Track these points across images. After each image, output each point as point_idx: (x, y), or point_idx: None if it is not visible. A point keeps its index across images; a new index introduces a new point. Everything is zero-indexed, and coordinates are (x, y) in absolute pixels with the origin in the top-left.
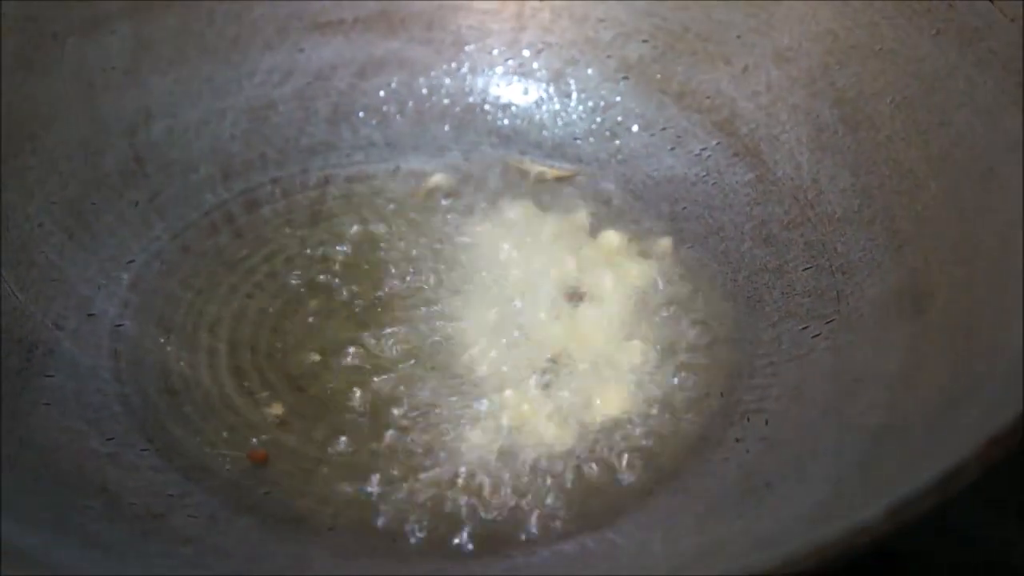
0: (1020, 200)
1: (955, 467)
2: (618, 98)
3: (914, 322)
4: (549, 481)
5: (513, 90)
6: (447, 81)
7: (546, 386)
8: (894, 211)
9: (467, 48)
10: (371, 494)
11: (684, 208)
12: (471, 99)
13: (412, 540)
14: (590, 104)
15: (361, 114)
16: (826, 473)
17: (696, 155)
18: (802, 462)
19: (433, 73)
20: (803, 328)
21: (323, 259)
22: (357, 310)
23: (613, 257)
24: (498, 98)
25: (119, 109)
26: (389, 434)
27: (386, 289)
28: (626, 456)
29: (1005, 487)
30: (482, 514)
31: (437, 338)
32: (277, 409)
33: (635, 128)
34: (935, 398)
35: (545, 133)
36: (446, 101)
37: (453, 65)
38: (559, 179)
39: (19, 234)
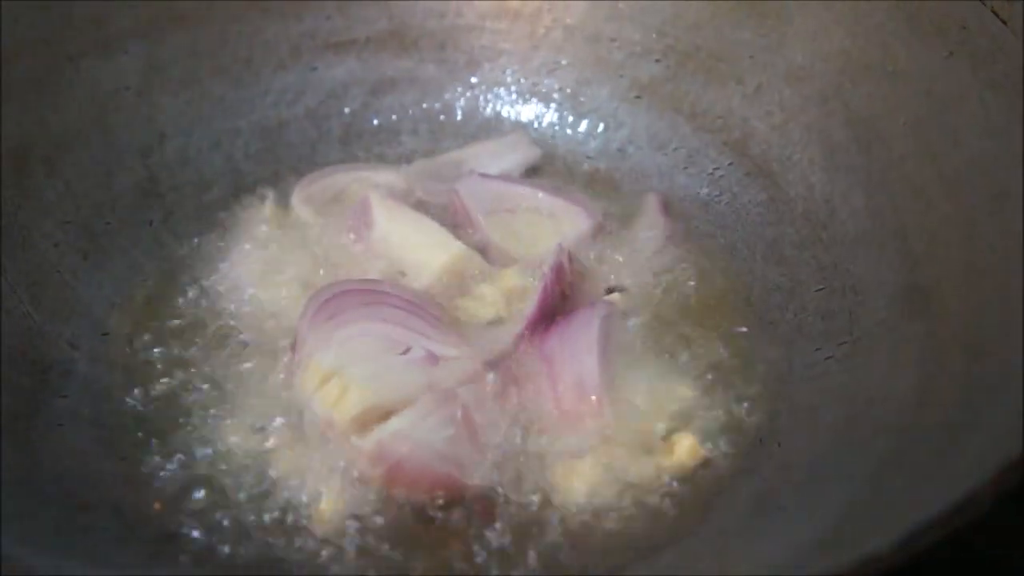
0: None
1: (967, 495)
2: (630, 118)
3: (926, 344)
4: None
5: (526, 110)
6: (460, 101)
7: None
8: (906, 232)
9: (480, 68)
10: None
11: (696, 227)
12: (484, 119)
13: None
14: (602, 124)
15: (373, 133)
16: (838, 497)
17: (709, 175)
18: (814, 486)
19: (446, 93)
20: (816, 349)
21: None
22: None
23: None
24: (510, 118)
25: (133, 130)
26: None
27: None
28: None
29: None
30: None
31: None
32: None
33: (647, 148)
34: (947, 421)
35: (558, 152)
36: (459, 120)
37: (466, 85)
38: None
39: (34, 255)
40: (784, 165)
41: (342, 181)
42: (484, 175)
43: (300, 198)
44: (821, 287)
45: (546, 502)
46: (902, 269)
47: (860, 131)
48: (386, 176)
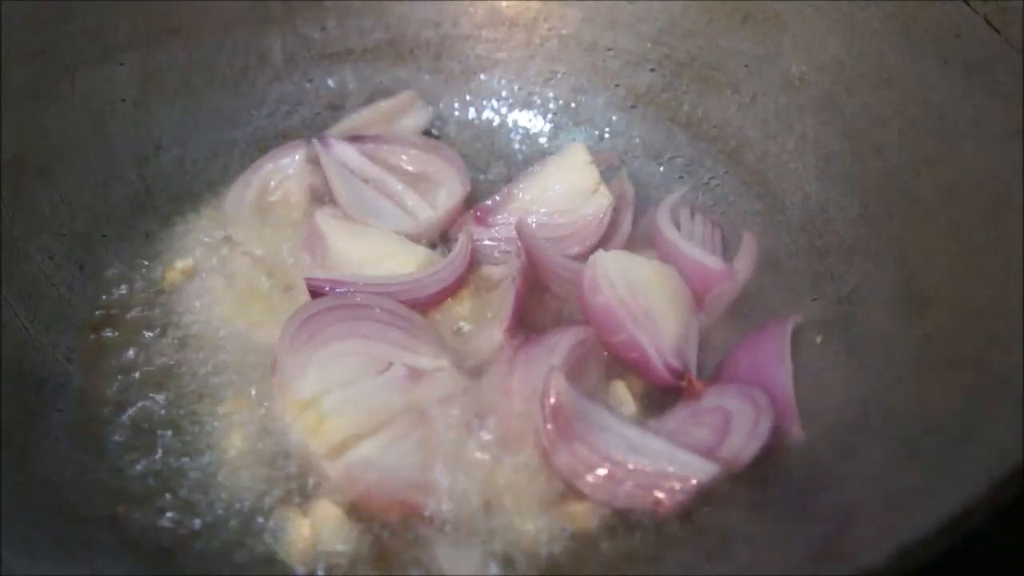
0: None
1: (962, 510)
2: (626, 127)
3: (923, 354)
4: None
5: (521, 118)
6: (455, 110)
7: None
8: (902, 241)
9: (475, 77)
10: None
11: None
12: (480, 128)
13: None
14: (598, 133)
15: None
16: (832, 509)
17: (705, 184)
18: (809, 496)
19: (441, 102)
20: (812, 359)
21: None
22: None
23: None
24: (506, 126)
25: (129, 140)
26: None
27: None
28: None
29: None
30: None
31: None
32: None
33: (643, 157)
34: (943, 434)
35: None
36: (455, 130)
37: (462, 94)
38: None
39: (29, 266)
40: (780, 174)
41: (256, 185)
42: (354, 137)
43: (231, 216)
44: (817, 296)
45: (506, 522)
46: (898, 278)
47: (855, 140)
48: (288, 161)
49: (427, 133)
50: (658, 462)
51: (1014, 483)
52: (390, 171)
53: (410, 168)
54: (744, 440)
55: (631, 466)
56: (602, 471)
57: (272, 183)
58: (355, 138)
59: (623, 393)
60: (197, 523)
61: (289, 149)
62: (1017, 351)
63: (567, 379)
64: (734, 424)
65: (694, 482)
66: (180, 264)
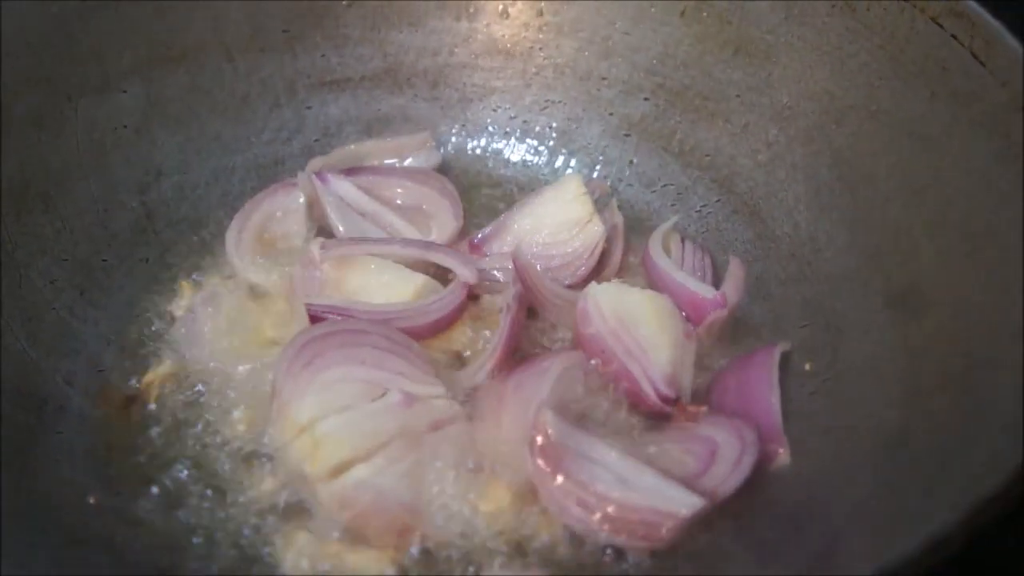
0: (1015, 261)
1: (947, 532)
2: (620, 155)
3: (908, 380)
4: None
5: (517, 146)
6: (452, 138)
7: None
8: (890, 270)
9: (472, 105)
10: None
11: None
12: (475, 155)
13: None
14: (592, 160)
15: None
16: (818, 532)
17: (697, 212)
18: (795, 520)
19: (438, 130)
20: (800, 385)
21: None
22: None
23: None
24: (501, 154)
25: (130, 167)
26: None
27: None
28: None
29: None
30: None
31: None
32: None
33: (637, 184)
34: (927, 459)
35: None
36: (451, 157)
37: (458, 122)
38: None
39: (31, 291)
40: (770, 203)
41: (256, 218)
42: (349, 170)
43: (231, 247)
44: (806, 324)
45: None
46: (885, 307)
47: (845, 170)
48: (286, 195)
49: None
50: (646, 497)
51: (1000, 504)
52: (386, 205)
53: (405, 201)
54: (727, 473)
55: (619, 502)
56: (590, 507)
57: (271, 216)
58: (351, 171)
59: (618, 411)
60: (195, 546)
61: (287, 184)
62: (1003, 376)
63: (558, 405)
64: (719, 455)
65: (680, 517)
66: (180, 292)
